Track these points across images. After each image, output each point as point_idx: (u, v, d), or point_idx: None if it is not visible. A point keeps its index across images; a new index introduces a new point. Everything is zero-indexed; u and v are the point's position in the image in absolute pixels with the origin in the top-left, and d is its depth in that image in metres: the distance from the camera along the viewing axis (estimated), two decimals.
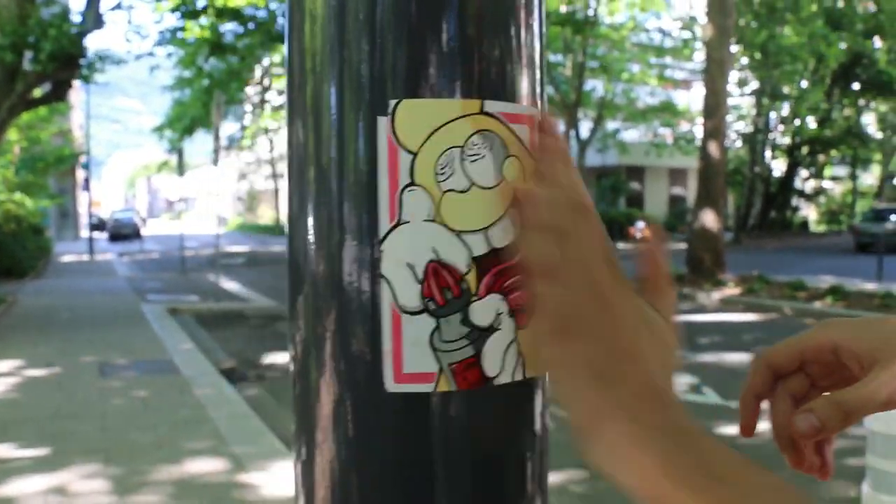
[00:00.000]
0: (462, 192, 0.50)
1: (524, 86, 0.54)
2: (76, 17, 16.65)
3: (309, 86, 0.52)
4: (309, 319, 0.54)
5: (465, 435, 0.53)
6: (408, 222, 0.50)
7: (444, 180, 0.50)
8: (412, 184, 0.49)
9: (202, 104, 27.69)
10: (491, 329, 0.52)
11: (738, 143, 31.85)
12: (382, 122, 0.49)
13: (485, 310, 0.52)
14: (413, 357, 0.51)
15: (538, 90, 0.57)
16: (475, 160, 0.51)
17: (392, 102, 0.49)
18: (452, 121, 0.50)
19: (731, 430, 5.35)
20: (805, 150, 31.77)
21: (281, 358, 8.25)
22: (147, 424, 5.41)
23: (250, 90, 36.03)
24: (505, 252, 0.52)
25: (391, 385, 0.51)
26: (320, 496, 0.55)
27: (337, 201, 0.52)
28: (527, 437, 0.57)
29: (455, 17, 0.50)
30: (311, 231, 0.53)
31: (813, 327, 0.60)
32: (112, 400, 6.10)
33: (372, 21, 0.49)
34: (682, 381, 6.84)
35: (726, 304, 12.43)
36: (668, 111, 29.29)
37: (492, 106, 0.52)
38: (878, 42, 26.58)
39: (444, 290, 0.51)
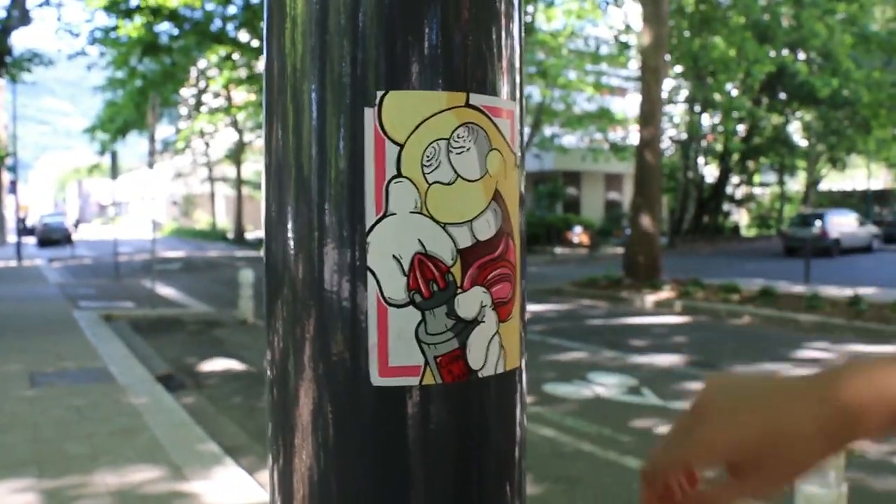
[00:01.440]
0: (448, 184, 0.50)
1: (505, 83, 0.55)
2: (0, 13, 16.11)
3: (289, 89, 0.52)
4: (288, 324, 0.53)
5: (446, 429, 0.53)
6: (394, 214, 0.50)
7: (431, 172, 0.50)
8: (399, 175, 0.49)
9: (135, 105, 27.01)
10: (475, 321, 0.53)
11: (672, 150, 32.57)
12: (369, 114, 0.49)
13: (469, 302, 0.52)
14: (399, 350, 0.51)
15: (518, 90, 0.58)
16: (460, 152, 0.51)
17: (379, 94, 0.49)
18: (439, 113, 0.50)
19: None
20: (735, 156, 32.66)
21: (219, 365, 8.11)
22: (82, 434, 5.25)
23: (185, 92, 35.31)
24: (487, 244, 0.53)
25: (376, 378, 0.51)
26: (298, 499, 0.54)
27: (317, 205, 0.51)
28: (508, 430, 0.57)
29: (437, 18, 0.51)
30: (290, 236, 0.53)
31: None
32: (44, 410, 5.90)
33: (354, 23, 0.49)
34: (620, 382, 6.97)
35: (662, 307, 12.69)
36: (604, 117, 29.76)
37: (476, 99, 0.52)
38: (801, 54, 27.55)
39: (430, 282, 0.51)
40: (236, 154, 41.21)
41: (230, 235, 43.74)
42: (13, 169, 31.11)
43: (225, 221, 54.20)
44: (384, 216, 0.50)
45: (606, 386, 6.87)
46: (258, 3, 21.17)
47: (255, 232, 48.92)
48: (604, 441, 5.29)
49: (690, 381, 6.97)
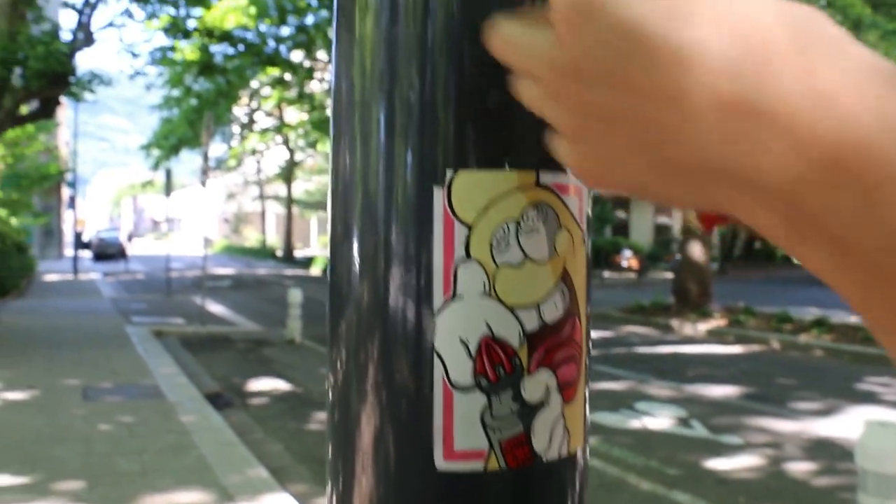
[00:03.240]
0: (516, 266, 0.49)
1: None
2: (67, 35, 16.66)
3: (357, 111, 0.52)
4: (351, 346, 0.53)
5: None
6: (462, 297, 0.49)
7: (500, 254, 0.49)
8: (467, 257, 0.49)
9: (189, 123, 27.68)
10: (540, 405, 0.52)
11: None
12: (438, 194, 0.49)
13: (535, 385, 0.52)
14: (464, 434, 0.50)
15: None
16: (530, 234, 0.51)
17: (448, 173, 0.49)
18: (509, 193, 0.50)
19: (721, 464, 5.35)
20: None
21: (266, 384, 8.19)
22: (132, 450, 5.34)
23: (238, 111, 36.05)
24: (555, 327, 0.52)
25: (441, 463, 0.50)
26: None
27: (384, 227, 0.51)
28: None
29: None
30: (356, 256, 0.53)
31: None
32: (96, 424, 6.02)
33: (423, 47, 0.49)
34: (669, 413, 6.84)
35: (712, 336, 12.47)
36: None
37: (546, 177, 0.52)
38: None
39: (496, 366, 0.50)
40: (287, 172, 41.82)
41: (279, 253, 44.32)
42: (72, 185, 32.08)
43: (274, 239, 54.98)
44: (452, 298, 0.49)
45: (654, 416, 6.76)
46: (311, 25, 21.58)
47: (303, 250, 49.52)
48: (650, 473, 5.20)
49: (741, 415, 6.81)
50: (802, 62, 0.28)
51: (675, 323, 13.46)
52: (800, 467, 5.46)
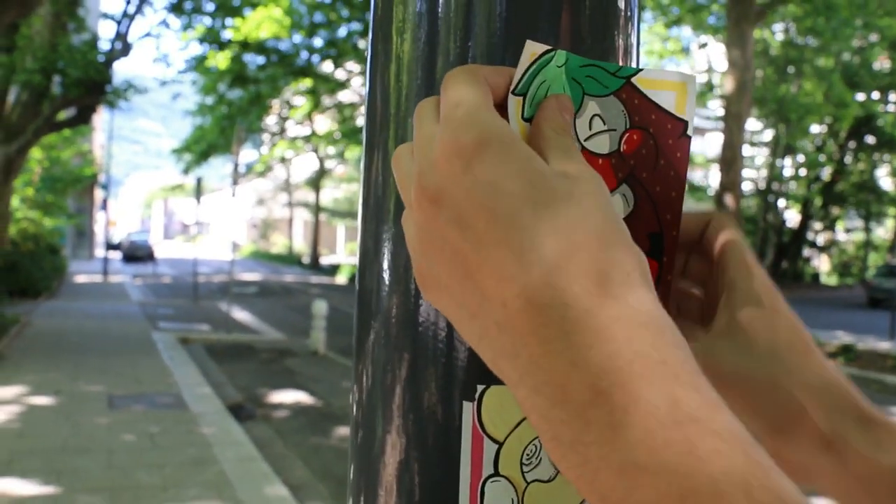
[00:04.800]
0: (547, 481, 0.47)
1: None
2: (105, 44, 16.98)
3: (391, 126, 0.52)
4: (379, 364, 0.52)
5: None
6: None
7: (530, 471, 0.47)
8: (496, 474, 0.46)
9: (220, 130, 27.98)
10: None
11: (752, 193, 31.87)
12: (468, 409, 0.47)
13: None
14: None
15: None
16: None
17: (479, 388, 0.47)
18: None
19: None
20: (818, 201, 31.75)
21: (289, 397, 8.25)
22: (154, 463, 5.41)
23: (269, 119, 36.38)
24: None
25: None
26: None
27: None
28: None
29: None
30: (386, 270, 0.51)
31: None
32: (120, 435, 6.11)
33: (464, 61, 0.49)
34: None
35: None
36: None
37: None
38: (893, 97, 26.69)
39: None
40: (316, 180, 42.12)
41: (305, 260, 44.59)
42: (105, 187, 32.55)
43: (301, 245, 55.32)
44: None
45: None
46: (342, 37, 21.75)
47: (329, 257, 49.76)
48: None
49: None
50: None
51: None
52: None
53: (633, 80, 0.44)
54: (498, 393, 0.47)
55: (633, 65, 0.52)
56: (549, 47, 0.43)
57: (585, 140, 0.44)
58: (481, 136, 0.35)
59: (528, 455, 0.47)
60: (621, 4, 0.51)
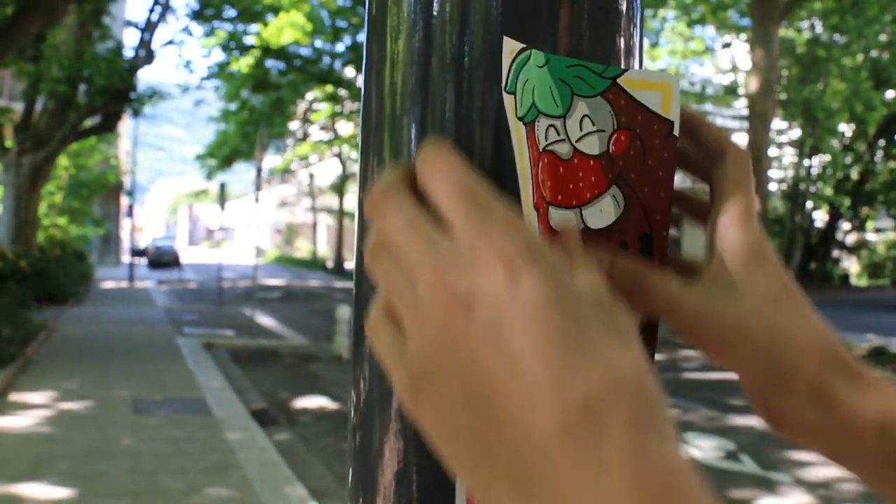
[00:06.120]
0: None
1: None
2: (129, 52, 17.17)
3: (387, 126, 0.51)
4: (376, 367, 0.51)
5: None
6: None
7: None
8: None
9: (243, 136, 28.23)
10: None
11: (778, 194, 31.53)
12: None
13: None
14: None
15: None
16: None
17: None
18: None
19: (770, 503, 5.22)
20: (847, 201, 31.32)
21: (312, 402, 8.25)
22: (177, 468, 5.43)
23: (292, 125, 36.64)
24: None
25: None
26: None
27: None
28: None
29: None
30: None
31: None
32: (144, 439, 6.14)
33: (459, 63, 0.48)
34: (717, 446, 6.70)
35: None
36: None
37: None
38: None
39: None
40: (340, 185, 42.33)
41: (329, 265, 44.80)
42: (131, 193, 32.94)
43: (325, 250, 55.60)
44: None
45: (702, 449, 6.62)
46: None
47: (353, 262, 49.90)
48: None
49: (792, 449, 6.63)
50: None
51: None
52: None
53: (619, 80, 0.44)
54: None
55: (637, 66, 0.52)
56: (524, 45, 0.43)
57: (577, 141, 0.43)
58: (529, 248, 0.33)
59: None
60: (622, 4, 0.50)
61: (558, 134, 0.43)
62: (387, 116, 0.51)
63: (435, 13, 0.49)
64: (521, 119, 0.43)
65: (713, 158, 0.48)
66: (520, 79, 0.43)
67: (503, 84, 0.43)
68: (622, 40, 0.50)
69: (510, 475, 0.31)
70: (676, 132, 0.44)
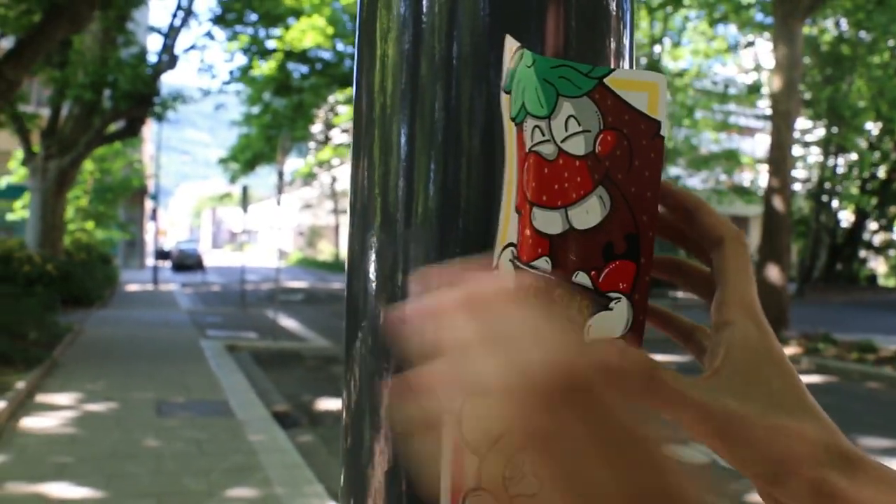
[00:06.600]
0: (531, 496, 0.46)
1: None
2: (152, 58, 17.36)
3: (377, 127, 0.52)
4: (366, 369, 0.52)
5: None
6: None
7: (514, 485, 0.46)
8: (477, 488, 0.46)
9: (266, 139, 28.38)
10: None
11: (803, 193, 31.18)
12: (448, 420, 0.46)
13: None
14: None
15: None
16: None
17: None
18: None
19: None
20: (874, 201, 30.89)
21: (334, 404, 8.28)
22: (200, 469, 5.47)
23: (314, 128, 36.80)
24: None
25: None
26: None
27: (402, 243, 0.50)
28: None
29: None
30: (371, 276, 0.52)
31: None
32: (168, 441, 6.20)
33: (448, 65, 0.48)
34: None
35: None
36: (731, 159, 28.87)
37: None
38: None
39: None
40: None
41: None
42: (155, 197, 33.27)
43: (347, 252, 55.79)
44: None
45: None
46: None
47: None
48: None
49: None
50: None
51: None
52: None
53: (606, 80, 0.43)
54: (478, 405, 0.45)
55: (627, 68, 0.52)
56: (520, 44, 0.43)
57: (562, 141, 0.43)
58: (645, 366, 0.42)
59: (510, 469, 0.46)
60: (612, 6, 0.50)
61: (543, 135, 0.43)
62: (377, 117, 0.52)
63: (424, 16, 0.49)
64: (513, 119, 0.43)
65: (710, 243, 0.49)
66: (514, 79, 0.43)
67: (503, 84, 0.43)
68: (612, 42, 0.50)
69: None
70: (664, 132, 0.44)
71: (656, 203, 0.45)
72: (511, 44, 0.43)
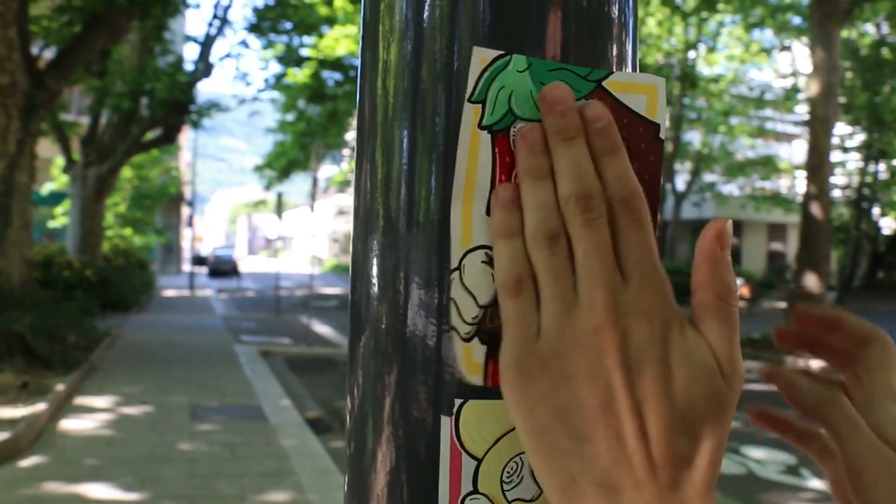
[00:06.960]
0: (529, 501, 0.46)
1: None
2: (188, 66, 17.62)
3: (379, 132, 0.52)
4: (369, 374, 0.52)
5: None
6: None
7: (511, 489, 0.46)
8: (475, 492, 0.46)
9: (301, 147, 28.61)
10: None
11: (843, 200, 30.63)
12: (446, 424, 0.46)
13: None
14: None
15: None
16: None
17: (457, 403, 0.46)
18: None
19: None
20: None
21: None
22: (233, 473, 5.52)
23: (348, 135, 37.05)
24: None
25: None
26: None
27: (404, 248, 0.50)
28: None
29: None
30: (375, 280, 0.52)
31: None
32: (202, 445, 6.26)
33: (449, 70, 0.49)
34: (777, 460, 6.53)
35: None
36: (768, 165, 28.49)
37: None
38: None
39: None
40: None
41: None
42: (191, 204, 33.74)
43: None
44: None
45: (762, 463, 6.46)
46: None
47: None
48: None
49: None
50: None
51: (788, 359, 12.87)
52: None
53: (604, 83, 0.44)
54: (476, 408, 0.46)
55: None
56: (501, 52, 0.43)
57: None
58: (680, 318, 0.44)
59: (508, 473, 0.46)
60: (614, 12, 0.50)
61: None
62: (379, 122, 0.52)
63: (425, 21, 0.49)
64: (488, 127, 0.43)
65: (857, 344, 0.50)
66: (493, 87, 0.43)
67: (467, 94, 0.43)
68: (614, 48, 0.50)
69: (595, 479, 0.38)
70: (662, 135, 0.44)
71: (657, 205, 0.45)
72: (483, 54, 0.43)
